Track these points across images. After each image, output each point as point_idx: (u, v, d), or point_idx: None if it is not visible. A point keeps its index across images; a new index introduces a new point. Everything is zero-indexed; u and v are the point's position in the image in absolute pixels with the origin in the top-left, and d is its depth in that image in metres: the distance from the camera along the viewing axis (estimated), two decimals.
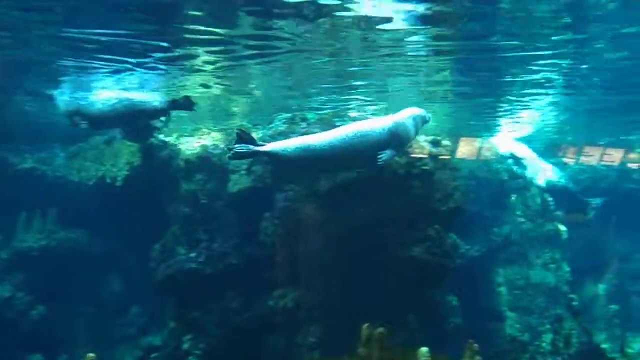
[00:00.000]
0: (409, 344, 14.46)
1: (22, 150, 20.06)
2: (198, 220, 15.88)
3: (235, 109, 17.54)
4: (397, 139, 11.16)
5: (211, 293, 15.27)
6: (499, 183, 20.34)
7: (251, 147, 11.22)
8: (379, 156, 10.83)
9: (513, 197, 20.49)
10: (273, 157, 11.01)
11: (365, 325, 6.47)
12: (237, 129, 11.47)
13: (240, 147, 10.91)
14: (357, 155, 10.70)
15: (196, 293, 15.33)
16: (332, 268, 14.00)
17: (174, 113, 14.60)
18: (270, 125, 15.15)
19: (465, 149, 19.34)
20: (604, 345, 20.18)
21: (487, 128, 20.40)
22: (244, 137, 11.28)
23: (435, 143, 15.11)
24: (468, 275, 18.28)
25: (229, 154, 11.24)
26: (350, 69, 13.11)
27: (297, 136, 13.85)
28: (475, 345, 5.97)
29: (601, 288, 22.45)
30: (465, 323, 16.84)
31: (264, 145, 11.43)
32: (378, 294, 13.93)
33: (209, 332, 15.14)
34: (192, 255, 15.45)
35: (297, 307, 14.30)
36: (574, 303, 16.90)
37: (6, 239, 19.05)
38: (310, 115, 15.17)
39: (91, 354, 5.41)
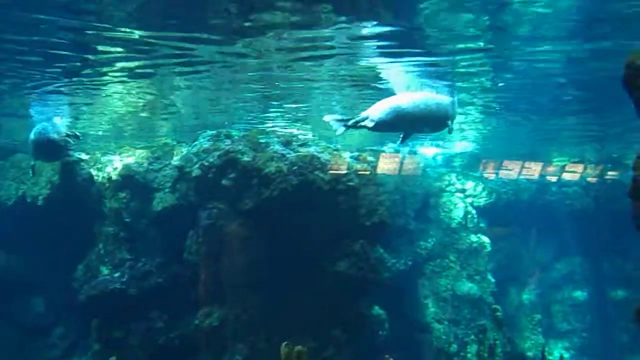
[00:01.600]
0: (336, 358, 14.63)
1: None
2: (122, 239, 15.67)
3: (160, 127, 17.35)
4: (454, 113, 11.29)
5: (136, 313, 15.06)
6: (424, 197, 20.67)
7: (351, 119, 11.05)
8: (448, 124, 10.97)
9: (437, 210, 20.87)
10: (374, 122, 10.82)
11: (284, 343, 6.49)
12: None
13: (346, 121, 10.66)
14: (435, 119, 10.81)
15: (120, 313, 15.09)
16: (258, 285, 14.03)
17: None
18: (195, 143, 15.07)
19: (389, 164, 19.58)
20: (528, 354, 20.73)
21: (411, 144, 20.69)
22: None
23: (359, 159, 15.31)
24: (395, 289, 18.50)
25: (341, 128, 10.81)
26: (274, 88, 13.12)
27: (222, 153, 13.88)
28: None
29: (524, 298, 23.04)
30: (393, 336, 17.03)
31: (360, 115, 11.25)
32: (305, 310, 14.02)
33: (133, 353, 14.92)
34: (116, 275, 15.24)
35: (223, 325, 14.23)
36: (498, 313, 17.23)
37: None
38: (234, 133, 15.16)
39: None
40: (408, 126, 10.73)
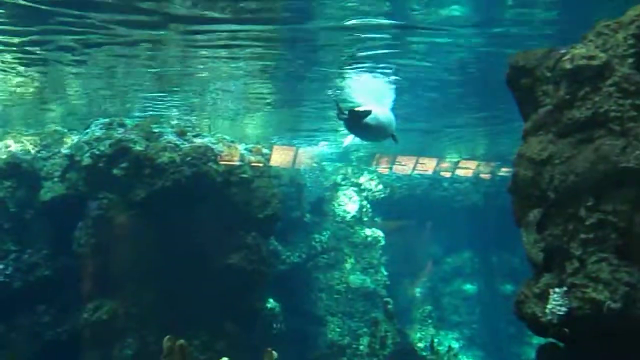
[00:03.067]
0: (228, 351, 14.54)
1: None
2: (7, 230, 15.02)
3: (49, 112, 16.74)
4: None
5: (21, 307, 14.48)
6: (320, 190, 20.84)
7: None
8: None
9: (333, 204, 21.08)
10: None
11: (167, 337, 6.40)
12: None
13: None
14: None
15: (4, 307, 14.49)
16: (149, 278, 13.80)
17: None
18: (87, 131, 14.64)
19: (284, 157, 19.66)
20: (419, 344, 21.25)
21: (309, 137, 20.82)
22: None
23: (254, 151, 15.30)
24: (290, 281, 18.61)
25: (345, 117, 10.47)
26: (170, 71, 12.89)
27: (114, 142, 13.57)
28: (274, 352, 6.06)
29: (416, 290, 23.62)
30: (287, 328, 17.12)
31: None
32: (197, 303, 13.89)
33: (17, 348, 14.36)
34: (0, 267, 14.61)
35: (113, 319, 13.92)
36: (390, 306, 17.60)
37: None
38: (128, 122, 14.82)
39: None
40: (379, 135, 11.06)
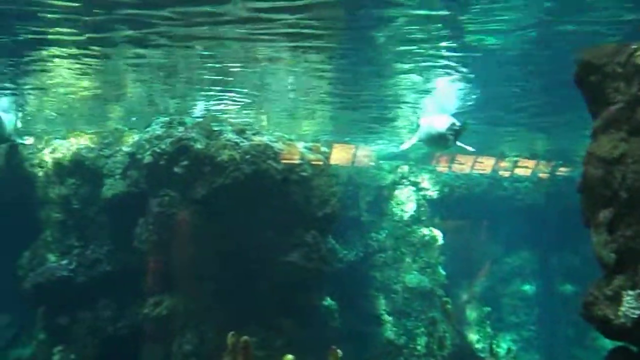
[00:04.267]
0: (286, 348, 14.56)
1: None
2: (70, 226, 15.38)
3: (111, 112, 17.04)
4: None
5: (83, 302, 14.81)
6: (377, 189, 20.73)
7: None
8: None
9: (390, 203, 20.94)
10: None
11: (231, 333, 6.41)
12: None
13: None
14: None
15: (67, 302, 14.83)
16: (208, 274, 13.90)
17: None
18: (147, 129, 14.84)
19: (343, 155, 19.60)
20: (477, 346, 20.97)
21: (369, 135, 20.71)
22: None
23: (313, 149, 15.26)
24: (346, 280, 18.55)
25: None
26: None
27: (175, 140, 13.69)
28: (339, 351, 6.01)
29: (475, 291, 23.29)
30: (343, 327, 17.06)
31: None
32: (255, 300, 13.94)
33: (80, 342, 14.67)
34: (64, 262, 14.96)
35: (172, 315, 14.07)
36: (448, 306, 17.38)
37: None
38: (187, 120, 14.96)
39: None
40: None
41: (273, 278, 14.14)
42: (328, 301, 16.92)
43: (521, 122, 17.15)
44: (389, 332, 19.23)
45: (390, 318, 19.46)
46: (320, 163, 15.11)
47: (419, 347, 18.59)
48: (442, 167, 22.49)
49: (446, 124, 11.37)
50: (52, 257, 15.13)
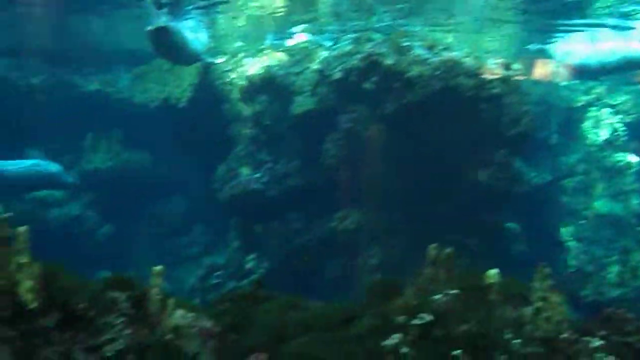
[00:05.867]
0: (471, 268, 14.42)
1: (87, 72, 20.24)
2: (262, 142, 15.92)
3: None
4: None
5: (274, 213, 15.42)
6: (569, 110, 19.67)
7: None
8: None
9: (582, 125, 19.81)
10: None
11: (433, 245, 6.32)
12: None
13: None
14: None
15: (259, 213, 15.48)
16: (395, 190, 13.90)
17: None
18: (335, 46, 14.89)
19: (536, 72, 18.59)
20: None
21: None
22: None
23: (503, 66, 14.66)
24: (532, 203, 17.94)
25: None
26: None
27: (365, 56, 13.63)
28: (547, 269, 5.77)
29: None
30: (527, 251, 16.64)
31: None
32: (441, 217, 13.82)
33: (271, 251, 15.33)
34: (256, 176, 15.55)
35: (359, 229, 14.31)
36: None
37: (75, 159, 19.49)
38: (375, 36, 14.81)
39: (158, 267, 5.38)
40: None
41: (460, 196, 13.94)
42: (512, 224, 16.53)
43: None
44: (576, 260, 18.49)
45: (577, 245, 18.68)
46: (512, 80, 14.51)
47: (609, 276, 17.73)
48: None
49: None
50: (245, 171, 15.78)
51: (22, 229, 5.12)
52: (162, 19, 14.24)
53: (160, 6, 14.65)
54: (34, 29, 17.73)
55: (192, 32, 15.91)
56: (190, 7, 15.07)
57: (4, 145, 16.50)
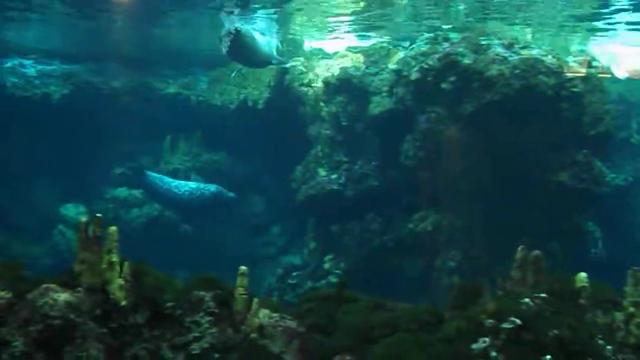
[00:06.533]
0: (554, 271, 14.18)
1: (165, 75, 20.81)
2: (339, 142, 16.06)
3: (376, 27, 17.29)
4: None
5: (351, 214, 15.52)
6: None
7: None
8: None
9: None
10: None
11: (521, 247, 6.29)
12: None
13: None
14: None
15: (337, 214, 15.63)
16: (474, 192, 13.80)
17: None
18: (412, 46, 14.89)
19: (618, 70, 18.10)
20: None
21: None
22: None
23: (584, 64, 14.43)
24: (612, 205, 17.57)
25: None
26: None
27: (442, 55, 13.58)
28: None
29: None
30: (606, 254, 16.33)
31: None
32: (521, 219, 13.68)
33: (349, 252, 15.45)
34: (334, 176, 15.71)
35: (437, 231, 14.28)
36: None
37: (154, 161, 20.07)
38: (452, 35, 14.74)
39: (243, 267, 5.56)
40: None
41: (541, 197, 13.76)
42: (591, 226, 16.23)
43: None
44: None
45: None
46: (593, 78, 14.29)
47: None
48: None
49: None
50: (322, 172, 15.95)
51: (112, 228, 5.37)
52: (235, 24, 14.70)
53: (229, 12, 15.23)
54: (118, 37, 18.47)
55: (264, 36, 16.27)
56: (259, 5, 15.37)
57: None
